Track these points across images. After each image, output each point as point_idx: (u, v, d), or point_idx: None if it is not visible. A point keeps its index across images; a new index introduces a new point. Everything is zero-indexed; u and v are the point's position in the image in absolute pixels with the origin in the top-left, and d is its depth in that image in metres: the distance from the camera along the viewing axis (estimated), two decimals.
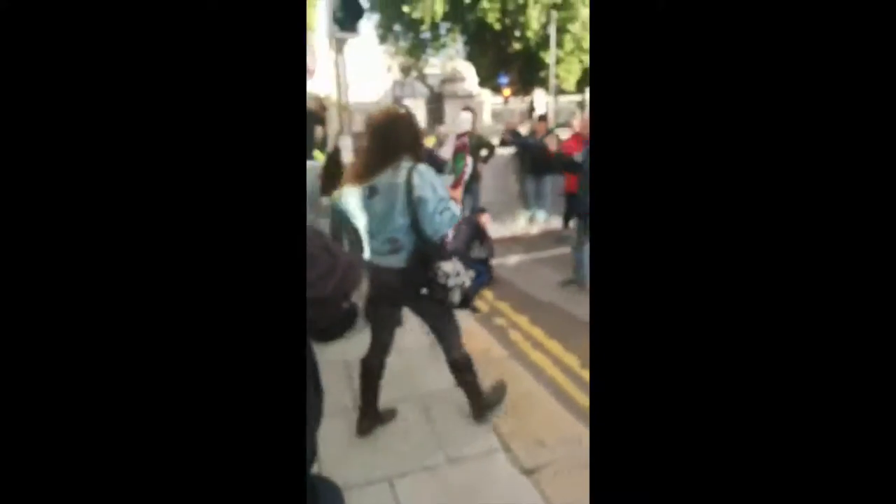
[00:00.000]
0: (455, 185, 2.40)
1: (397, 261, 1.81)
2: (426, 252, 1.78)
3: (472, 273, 1.87)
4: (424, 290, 1.82)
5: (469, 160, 3.00)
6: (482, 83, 16.02)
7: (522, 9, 15.37)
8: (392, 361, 2.79)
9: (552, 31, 15.06)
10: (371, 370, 2.08)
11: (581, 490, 1.74)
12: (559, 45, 15.73)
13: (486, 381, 2.20)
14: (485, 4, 15.32)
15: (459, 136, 3.95)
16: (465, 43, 17.89)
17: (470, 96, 14.69)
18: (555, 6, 15.43)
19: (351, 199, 1.84)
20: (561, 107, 16.23)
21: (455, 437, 2.10)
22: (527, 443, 2.02)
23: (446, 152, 3.80)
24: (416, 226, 1.74)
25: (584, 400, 2.42)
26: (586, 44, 15.89)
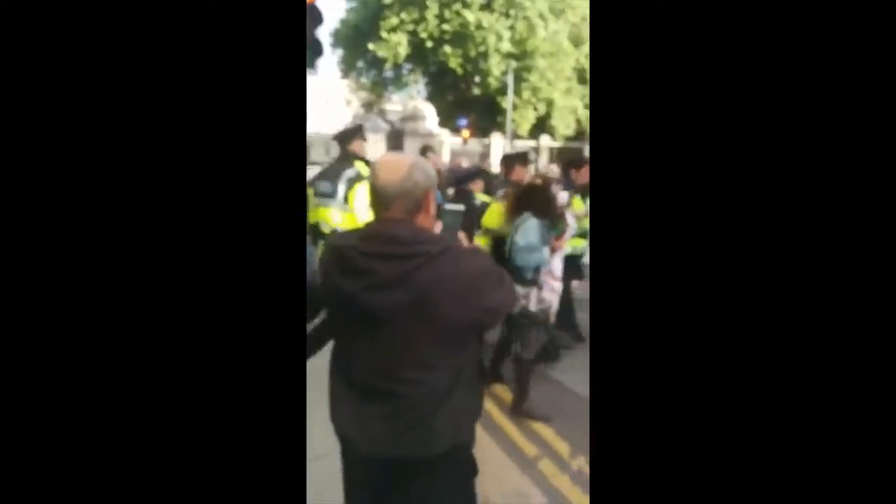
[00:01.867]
0: (557, 238, 2.91)
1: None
2: (522, 280, 2.65)
3: (550, 300, 2.83)
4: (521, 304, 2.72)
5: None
6: (442, 123, 16.44)
7: (483, 56, 16.10)
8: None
9: (510, 79, 15.82)
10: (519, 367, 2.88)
11: None
12: (516, 92, 16.53)
13: None
14: (447, 50, 15.91)
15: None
16: (427, 84, 18.39)
17: (430, 135, 15.01)
18: (513, 56, 16.28)
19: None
20: (516, 150, 16.83)
21: None
22: None
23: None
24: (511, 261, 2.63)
25: None
26: (542, 93, 16.82)
